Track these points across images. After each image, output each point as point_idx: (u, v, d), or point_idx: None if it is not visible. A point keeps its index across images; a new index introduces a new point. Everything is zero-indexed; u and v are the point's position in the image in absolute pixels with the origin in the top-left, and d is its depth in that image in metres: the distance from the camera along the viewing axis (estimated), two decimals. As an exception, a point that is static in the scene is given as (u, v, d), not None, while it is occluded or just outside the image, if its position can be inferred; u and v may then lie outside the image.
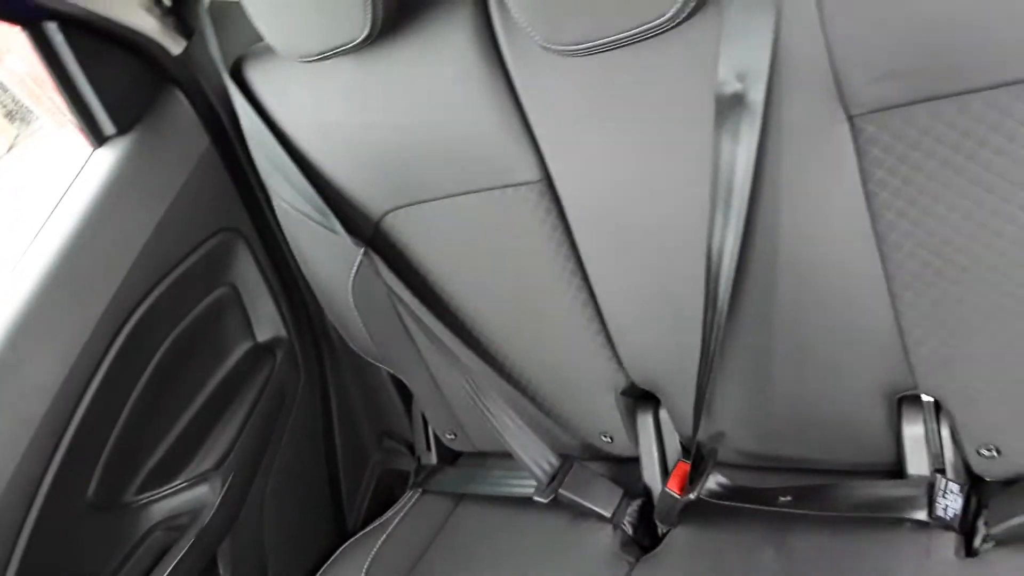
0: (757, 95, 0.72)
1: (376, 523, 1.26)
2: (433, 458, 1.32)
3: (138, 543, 1.09)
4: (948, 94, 0.66)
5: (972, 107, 0.66)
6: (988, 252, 0.72)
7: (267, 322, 1.23)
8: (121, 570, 1.05)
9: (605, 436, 1.11)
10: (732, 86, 0.72)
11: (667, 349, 0.96)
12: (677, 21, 0.69)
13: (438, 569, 1.14)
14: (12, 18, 0.97)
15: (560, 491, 1.07)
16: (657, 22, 0.69)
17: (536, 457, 1.10)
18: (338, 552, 1.23)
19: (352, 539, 1.25)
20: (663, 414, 1.07)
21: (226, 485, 1.13)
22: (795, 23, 0.69)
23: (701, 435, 1.01)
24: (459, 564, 1.13)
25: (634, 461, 1.10)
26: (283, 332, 1.24)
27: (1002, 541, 0.81)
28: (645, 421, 1.08)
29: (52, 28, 0.98)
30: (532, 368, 1.10)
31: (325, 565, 1.22)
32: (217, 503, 1.11)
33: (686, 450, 1.07)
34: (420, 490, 1.28)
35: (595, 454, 1.15)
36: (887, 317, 0.80)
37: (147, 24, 1.04)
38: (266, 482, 1.22)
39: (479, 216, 0.96)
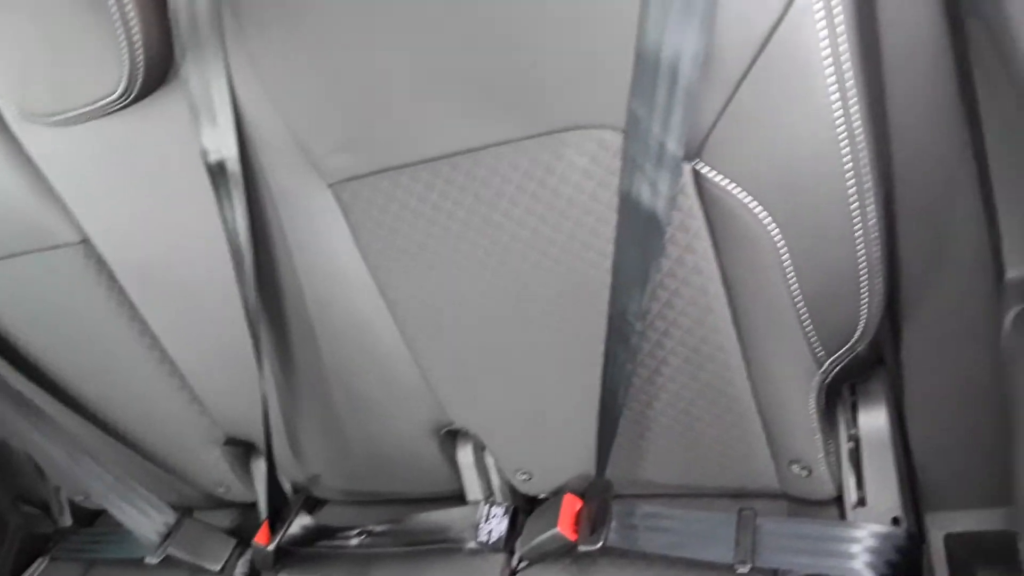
0: (235, 166, 0.74)
1: None
2: (68, 520, 1.26)
3: None
4: (399, 165, 0.71)
5: (422, 176, 0.71)
6: (479, 305, 0.78)
7: None
8: None
9: (221, 487, 1.11)
10: (215, 156, 0.74)
11: (246, 400, 0.97)
12: (131, 98, 0.69)
13: None
14: None
15: (170, 550, 1.05)
16: (110, 99, 0.69)
17: (151, 515, 1.07)
18: None
19: None
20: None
21: None
22: (250, 100, 0.71)
23: (299, 477, 1.04)
24: None
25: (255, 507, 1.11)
26: None
27: (532, 560, 0.88)
28: (258, 468, 1.09)
29: None
30: (139, 425, 1.07)
31: None
32: None
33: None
34: (48, 557, 1.22)
35: (219, 503, 1.14)
36: (413, 361, 0.85)
37: None
38: None
39: (32, 280, 0.93)
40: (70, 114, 0.72)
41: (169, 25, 0.70)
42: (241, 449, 1.08)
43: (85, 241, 0.88)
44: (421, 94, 0.65)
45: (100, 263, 0.89)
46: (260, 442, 1.01)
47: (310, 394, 0.92)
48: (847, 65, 0.52)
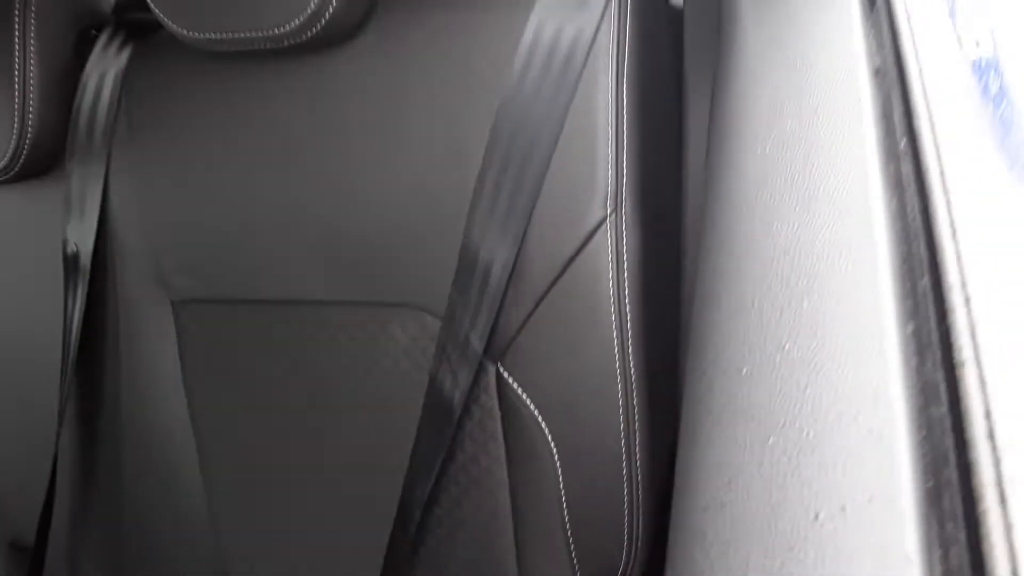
0: (87, 260, 0.75)
1: None
2: None
3: None
4: (241, 299, 0.72)
5: (260, 314, 0.72)
6: (282, 447, 0.74)
7: None
8: None
9: None
10: (72, 248, 0.75)
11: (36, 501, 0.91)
12: (11, 175, 0.72)
13: None
14: None
15: None
16: None
17: None
18: None
19: None
20: None
21: None
22: (119, 204, 0.73)
23: None
24: None
25: None
26: None
27: None
28: None
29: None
30: None
31: None
32: None
33: None
34: None
35: None
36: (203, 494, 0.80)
37: None
38: None
39: None
40: None
41: (67, 117, 0.73)
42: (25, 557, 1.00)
43: None
44: (274, 239, 0.67)
45: None
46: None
47: (102, 501, 0.87)
48: (629, 308, 0.55)
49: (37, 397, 0.84)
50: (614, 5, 0.56)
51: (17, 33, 0.70)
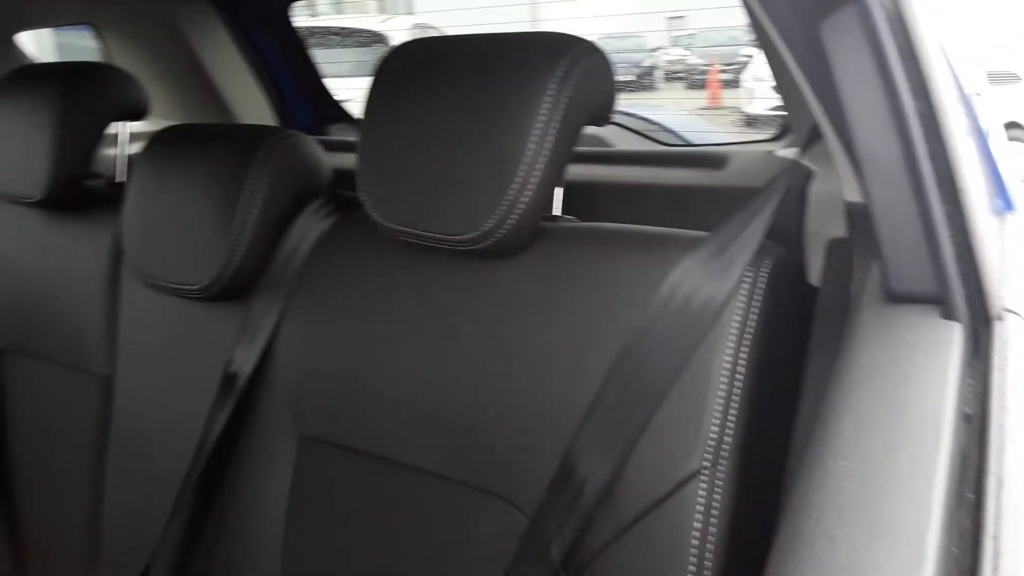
0: (241, 383, 0.85)
1: None
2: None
3: None
4: (364, 451, 0.78)
5: (375, 470, 0.77)
6: None
7: None
8: None
9: None
10: (233, 368, 0.86)
11: None
12: (205, 294, 0.85)
13: None
14: None
15: None
16: (190, 287, 0.85)
17: None
18: None
19: None
20: None
21: None
22: (284, 342, 0.84)
23: None
24: None
25: None
26: None
27: None
28: None
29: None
30: None
31: None
32: None
33: None
34: None
35: None
36: None
37: None
38: None
39: None
40: (160, 283, 0.89)
41: (266, 259, 0.86)
42: None
43: None
44: (407, 407, 0.75)
45: None
46: None
47: None
48: (710, 564, 0.56)
49: (156, 484, 0.93)
50: (750, 278, 0.62)
51: (246, 191, 0.85)
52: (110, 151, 1.12)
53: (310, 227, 0.87)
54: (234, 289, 0.87)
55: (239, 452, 0.87)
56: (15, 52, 1.33)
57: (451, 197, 0.68)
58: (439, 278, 0.74)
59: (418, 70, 0.71)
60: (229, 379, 0.86)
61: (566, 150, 0.67)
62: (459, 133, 0.67)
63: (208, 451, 0.86)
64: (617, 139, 1.20)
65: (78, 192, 1.04)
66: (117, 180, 1.12)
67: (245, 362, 0.85)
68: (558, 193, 0.74)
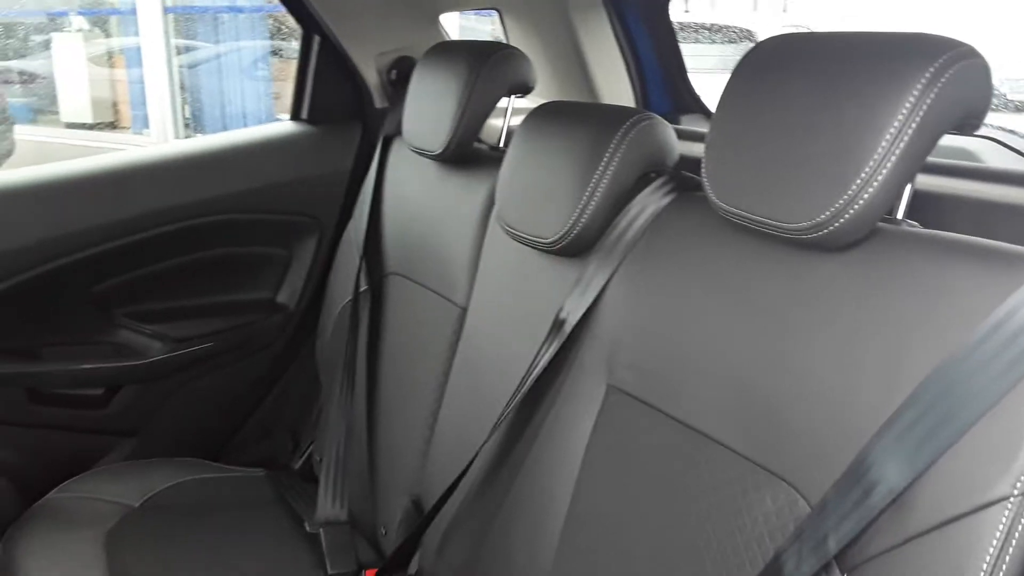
0: (568, 329, 0.96)
1: None
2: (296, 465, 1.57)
3: None
4: (663, 410, 0.85)
5: (669, 430, 0.84)
6: (631, 561, 0.86)
7: (287, 292, 1.60)
8: None
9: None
10: (563, 314, 0.98)
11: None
12: (556, 248, 0.98)
13: None
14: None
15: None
16: (546, 240, 0.99)
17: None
18: None
19: None
20: None
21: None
22: (610, 297, 0.93)
23: None
24: None
25: None
26: (292, 306, 1.60)
27: None
28: None
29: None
30: None
31: None
32: None
33: None
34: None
35: None
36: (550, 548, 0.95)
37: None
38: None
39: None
40: (517, 233, 1.03)
41: (606, 224, 0.96)
42: None
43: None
44: (711, 378, 0.80)
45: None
46: None
47: (476, 508, 1.08)
48: None
49: (482, 409, 1.09)
50: None
51: (603, 164, 0.96)
52: (493, 121, 1.31)
53: (650, 201, 0.95)
54: (575, 247, 0.99)
55: (554, 389, 0.99)
56: (439, 30, 1.60)
57: (792, 186, 0.71)
58: (763, 264, 0.78)
59: (779, 63, 0.75)
60: (557, 324, 0.98)
61: (919, 154, 0.66)
62: (811, 126, 0.70)
63: (529, 384, 0.99)
64: (989, 156, 1.10)
65: (466, 152, 1.24)
66: (500, 146, 1.30)
67: (574, 311, 0.96)
68: (904, 196, 0.73)
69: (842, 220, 0.67)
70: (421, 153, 1.29)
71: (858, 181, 0.65)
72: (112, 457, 1.49)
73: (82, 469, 1.36)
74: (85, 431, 1.45)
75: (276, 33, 5.95)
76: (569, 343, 0.97)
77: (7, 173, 1.33)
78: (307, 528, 1.26)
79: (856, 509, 0.62)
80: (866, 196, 0.65)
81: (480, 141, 1.30)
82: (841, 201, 0.66)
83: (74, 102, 6.42)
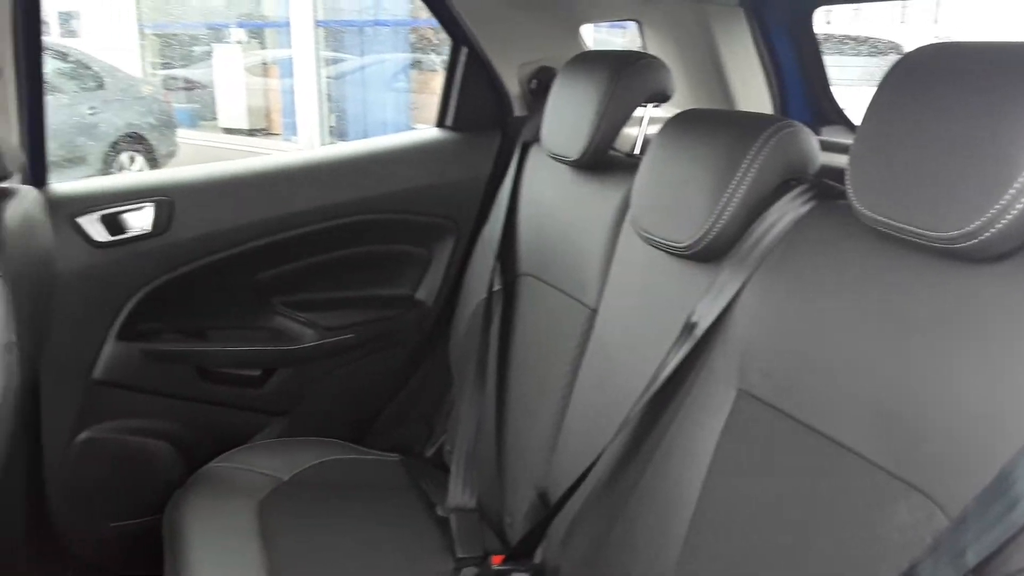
0: (699, 333, 0.98)
1: None
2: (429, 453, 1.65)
3: None
4: (790, 415, 0.86)
5: (795, 436, 0.84)
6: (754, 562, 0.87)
7: (426, 289, 1.69)
8: None
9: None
10: (694, 318, 0.99)
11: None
12: (691, 252, 0.99)
13: None
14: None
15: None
16: (677, 244, 1.01)
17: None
18: None
19: None
20: None
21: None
22: (744, 301, 0.94)
23: None
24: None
25: None
26: (430, 303, 1.69)
27: None
28: None
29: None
30: None
31: None
32: None
33: None
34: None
35: None
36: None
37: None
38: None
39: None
40: (651, 238, 1.06)
41: (744, 229, 0.97)
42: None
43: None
44: (840, 387, 0.80)
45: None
46: None
47: (602, 505, 1.10)
48: None
49: (610, 408, 1.11)
50: None
51: (741, 170, 0.97)
52: (629, 130, 1.34)
53: (789, 209, 0.95)
54: (709, 253, 1.00)
55: (683, 391, 1.01)
56: (579, 41, 1.65)
57: (942, 194, 0.70)
58: (907, 273, 0.77)
59: (932, 72, 0.74)
60: (688, 327, 1.00)
61: None
62: (965, 135, 0.69)
63: (657, 386, 1.01)
64: None
65: (602, 159, 1.28)
66: (635, 153, 1.33)
67: (705, 315, 0.98)
68: None
69: (995, 228, 0.66)
70: (558, 159, 1.34)
71: (1012, 190, 0.64)
72: (266, 434, 1.62)
73: (239, 443, 1.49)
74: (243, 408, 1.58)
75: (417, 46, 6.21)
76: (699, 347, 0.99)
77: (188, 169, 1.49)
78: (439, 512, 1.33)
79: (998, 523, 0.61)
80: (1021, 204, 0.64)
81: (614, 149, 1.34)
82: (995, 209, 0.65)
83: (231, 109, 6.94)
